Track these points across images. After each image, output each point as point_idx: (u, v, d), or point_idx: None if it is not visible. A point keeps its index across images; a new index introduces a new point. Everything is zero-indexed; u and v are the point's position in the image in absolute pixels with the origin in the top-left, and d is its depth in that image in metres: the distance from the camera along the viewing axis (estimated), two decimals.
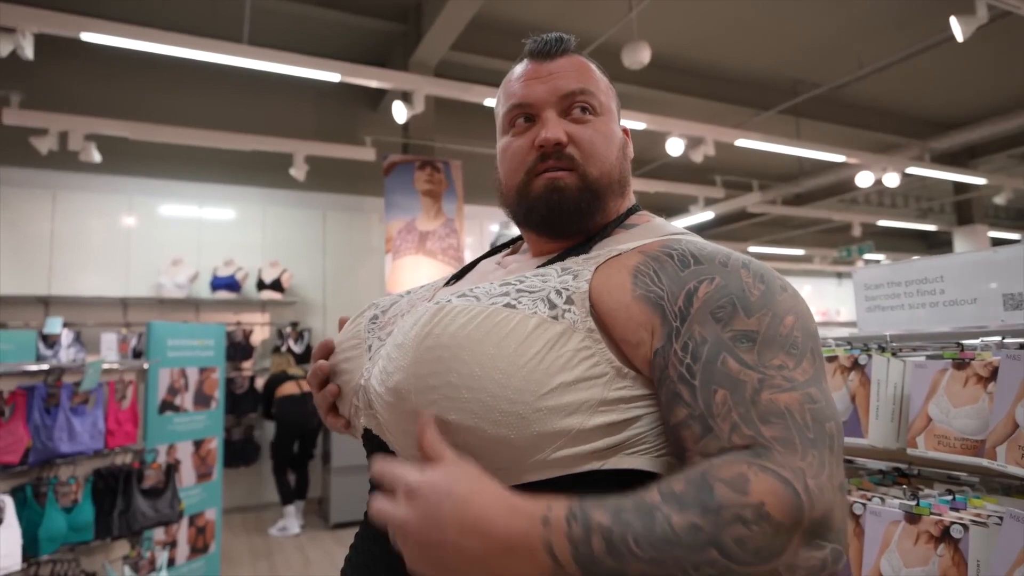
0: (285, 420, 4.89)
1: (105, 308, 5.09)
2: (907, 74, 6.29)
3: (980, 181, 8.18)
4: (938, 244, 12.89)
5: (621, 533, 0.46)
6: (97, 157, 4.67)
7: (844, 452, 1.55)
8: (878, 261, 12.40)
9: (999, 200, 8.78)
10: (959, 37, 3.93)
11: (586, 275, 0.64)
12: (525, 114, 0.74)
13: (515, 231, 0.80)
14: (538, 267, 0.71)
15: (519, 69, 0.77)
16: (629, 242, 0.69)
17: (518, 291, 0.63)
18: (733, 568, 0.46)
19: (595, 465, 0.58)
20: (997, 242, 11.27)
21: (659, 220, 0.76)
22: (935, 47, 5.25)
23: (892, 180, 6.94)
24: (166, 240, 5.40)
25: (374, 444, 0.70)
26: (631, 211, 0.77)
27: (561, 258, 0.71)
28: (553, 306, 0.61)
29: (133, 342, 4.80)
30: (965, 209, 10.10)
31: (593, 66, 0.77)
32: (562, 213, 0.71)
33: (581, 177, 0.71)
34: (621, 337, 0.60)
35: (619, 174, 0.75)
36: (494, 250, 0.89)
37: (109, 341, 3.43)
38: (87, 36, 3.57)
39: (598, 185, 0.72)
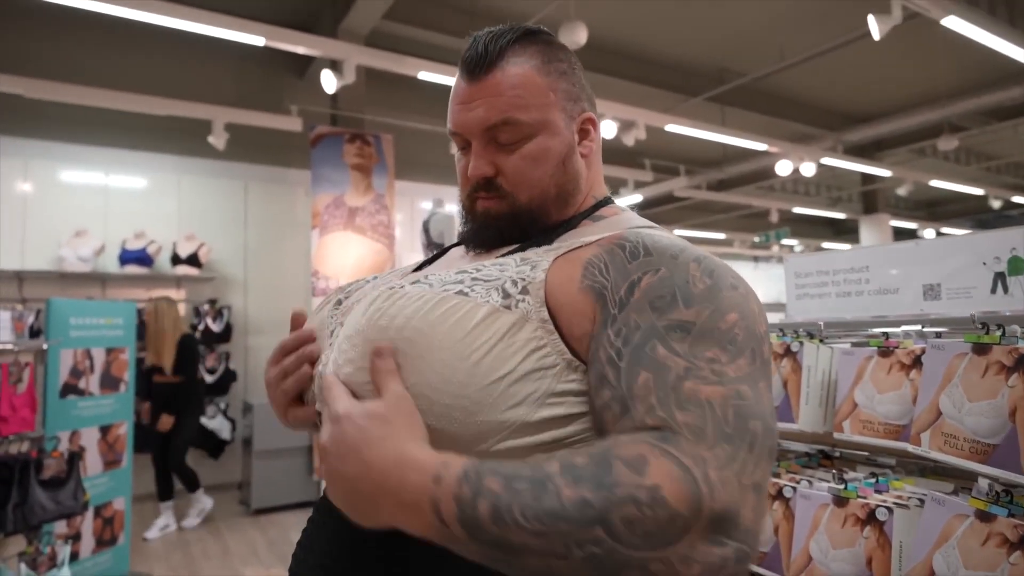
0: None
1: None
2: (825, 68, 6.57)
3: (885, 173, 8.72)
4: (845, 231, 13.71)
5: (508, 501, 0.46)
6: None
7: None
8: (792, 247, 13.07)
9: (901, 191, 9.41)
10: (875, 35, 4.13)
11: (543, 265, 0.63)
12: (461, 141, 0.75)
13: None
14: (498, 256, 0.69)
15: (455, 85, 0.75)
16: (593, 235, 0.68)
17: (473, 279, 0.62)
18: (619, 550, 0.44)
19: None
20: (899, 231, 12.11)
21: (628, 213, 0.75)
22: (851, 43, 5.51)
23: (808, 169, 7.29)
24: (68, 209, 4.98)
25: None
26: (602, 203, 0.76)
27: (523, 248, 0.70)
28: (507, 295, 0.60)
29: (30, 320, 4.42)
30: (871, 199, 10.77)
31: (529, 66, 0.71)
32: (487, 239, 0.74)
33: (510, 205, 0.73)
34: (568, 330, 0.59)
35: (556, 189, 0.73)
36: None
37: (2, 319, 3.13)
38: None
39: (528, 209, 0.73)
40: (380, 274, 0.82)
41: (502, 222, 0.72)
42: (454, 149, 0.79)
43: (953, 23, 4.36)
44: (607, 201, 0.76)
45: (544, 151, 0.71)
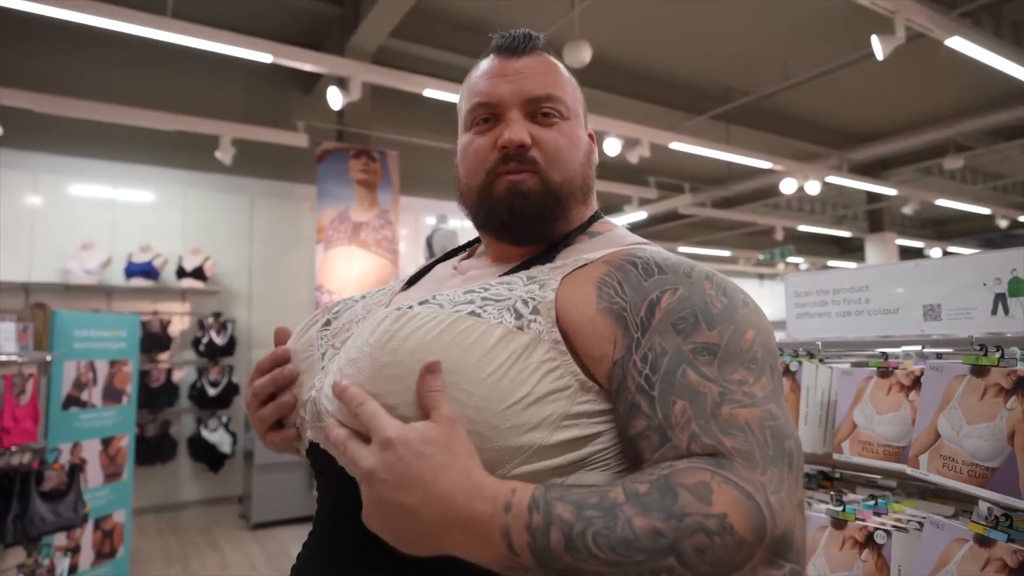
0: None
1: (4, 294, 4.68)
2: (829, 87, 6.60)
3: (891, 192, 8.72)
4: (851, 249, 13.68)
5: (581, 530, 0.45)
6: None
7: None
8: (797, 264, 13.03)
9: (907, 210, 9.40)
10: (879, 55, 4.15)
11: (552, 284, 0.62)
12: (489, 113, 0.71)
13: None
14: (501, 275, 0.68)
15: (484, 65, 0.74)
16: (593, 251, 0.67)
17: (483, 299, 0.61)
18: None
19: (555, 481, 0.56)
20: (905, 249, 12.08)
21: (621, 228, 0.75)
22: (855, 63, 5.54)
23: (813, 188, 7.30)
24: (75, 222, 5.02)
25: (321, 458, 0.66)
26: (594, 218, 0.75)
27: (525, 266, 0.68)
28: (519, 316, 0.59)
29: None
30: (876, 217, 10.75)
31: (561, 67, 0.75)
32: (524, 219, 0.69)
33: (544, 182, 0.69)
34: (585, 351, 0.58)
35: (582, 180, 0.73)
36: (449, 253, 0.86)
37: (7, 330, 3.14)
38: None
39: (560, 191, 0.70)
40: (367, 292, 0.80)
41: (530, 200, 0.68)
42: (463, 140, 0.74)
43: (957, 44, 4.38)
44: (598, 216, 0.76)
45: (578, 137, 0.73)
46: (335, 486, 0.64)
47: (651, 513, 0.46)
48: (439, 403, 0.53)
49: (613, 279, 0.61)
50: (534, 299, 0.60)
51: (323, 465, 0.66)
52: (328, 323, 0.73)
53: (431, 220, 6.17)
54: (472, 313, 0.58)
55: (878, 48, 4.12)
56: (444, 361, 0.54)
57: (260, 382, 0.68)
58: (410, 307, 0.60)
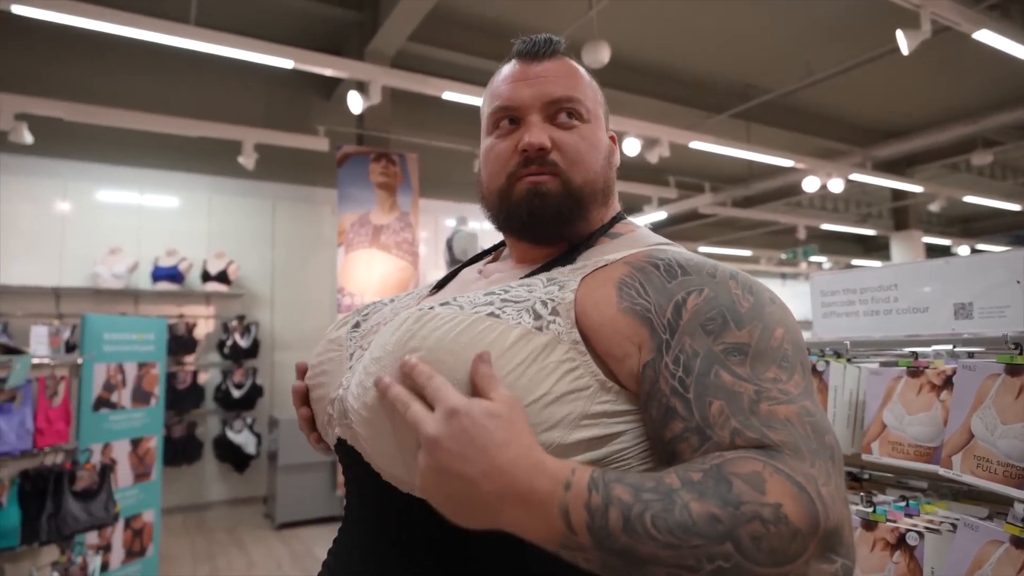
0: None
1: (36, 298, 4.80)
2: (852, 83, 6.50)
3: (917, 189, 8.56)
4: (876, 248, 13.44)
5: (640, 512, 0.46)
6: (29, 138, 4.39)
7: None
8: (820, 264, 12.85)
9: (933, 207, 9.22)
10: (904, 50, 4.07)
11: (572, 285, 0.63)
12: (510, 116, 0.72)
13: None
14: (522, 277, 0.69)
15: (506, 70, 0.75)
16: (614, 252, 0.68)
17: (503, 300, 0.61)
18: (745, 565, 0.44)
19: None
20: (931, 247, 11.84)
21: (644, 229, 0.75)
22: (879, 59, 5.45)
23: (836, 185, 7.19)
24: (103, 227, 5.13)
25: (349, 454, 0.68)
26: (616, 219, 0.76)
27: (546, 268, 0.69)
28: (538, 316, 0.59)
29: (66, 335, 4.55)
30: (902, 215, 10.56)
31: (582, 70, 0.75)
32: (543, 219, 0.70)
33: (564, 184, 0.70)
34: (606, 351, 0.58)
35: (603, 183, 0.73)
36: (475, 257, 0.87)
37: (39, 334, 3.22)
38: (18, 9, 3.35)
39: (581, 193, 0.70)
40: (396, 296, 0.82)
41: (550, 201, 0.69)
42: (485, 143, 0.75)
43: (985, 36, 4.29)
44: (620, 217, 0.77)
45: (598, 140, 0.73)
46: (363, 481, 0.66)
47: (708, 499, 0.46)
48: (496, 385, 0.53)
49: (634, 280, 0.61)
50: (553, 300, 0.61)
51: (351, 461, 0.68)
52: (358, 325, 0.75)
53: (451, 222, 6.20)
54: (491, 314, 0.59)
55: (903, 43, 4.05)
56: (462, 360, 0.55)
57: (293, 394, 0.78)
58: (431, 308, 0.61)
